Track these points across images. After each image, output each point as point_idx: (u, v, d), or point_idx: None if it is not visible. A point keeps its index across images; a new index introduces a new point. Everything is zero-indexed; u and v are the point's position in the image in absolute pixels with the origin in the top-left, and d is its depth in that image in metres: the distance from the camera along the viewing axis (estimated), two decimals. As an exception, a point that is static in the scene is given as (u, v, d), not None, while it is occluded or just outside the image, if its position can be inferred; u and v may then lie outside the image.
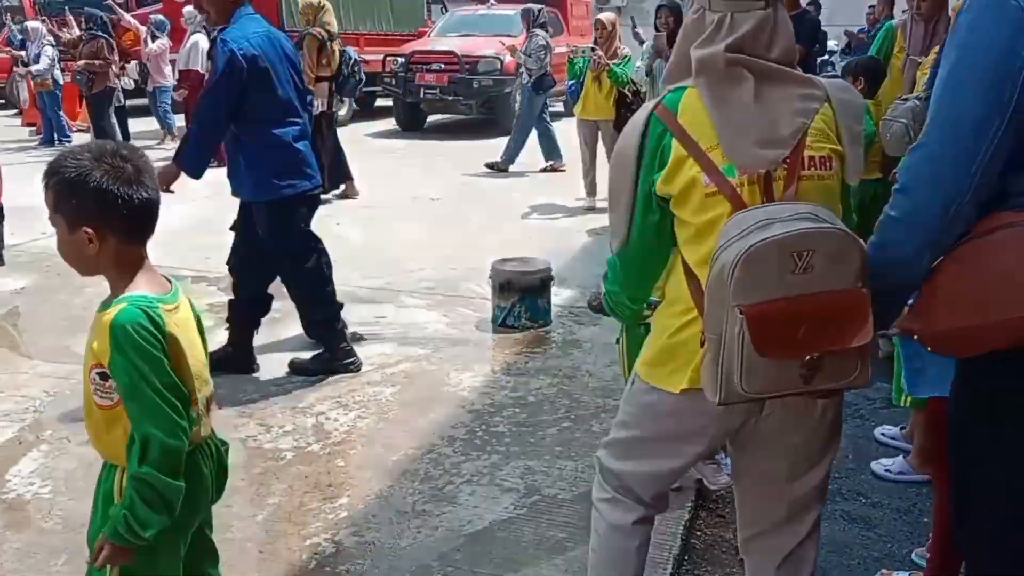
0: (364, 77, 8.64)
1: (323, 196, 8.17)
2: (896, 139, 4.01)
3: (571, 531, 2.74)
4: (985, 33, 1.46)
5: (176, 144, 10.79)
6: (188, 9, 10.17)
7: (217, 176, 10.15)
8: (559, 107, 15.25)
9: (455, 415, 3.69)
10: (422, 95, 12.73)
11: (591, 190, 7.85)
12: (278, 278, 4.22)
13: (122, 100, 11.07)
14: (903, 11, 7.23)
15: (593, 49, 7.52)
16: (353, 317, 4.91)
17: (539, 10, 9.86)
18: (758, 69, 1.74)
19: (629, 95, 7.39)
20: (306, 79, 7.79)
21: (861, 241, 1.60)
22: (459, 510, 2.96)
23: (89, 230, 1.66)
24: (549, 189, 8.56)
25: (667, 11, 7.00)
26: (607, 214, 1.93)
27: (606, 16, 7.76)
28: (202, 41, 9.92)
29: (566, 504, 2.97)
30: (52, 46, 11.99)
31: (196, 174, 3.97)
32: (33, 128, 13.04)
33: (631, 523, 2.03)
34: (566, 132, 9.45)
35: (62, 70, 12.04)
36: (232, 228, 4.30)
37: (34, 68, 11.72)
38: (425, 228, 7.09)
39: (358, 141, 8.57)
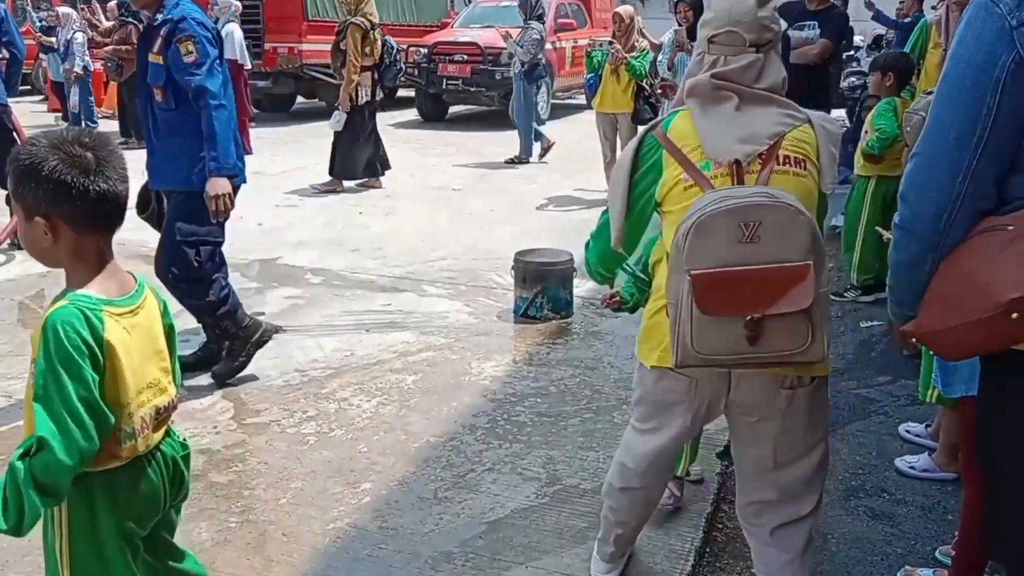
0: (404, 67, 8.66)
1: (348, 185, 8.23)
2: (915, 131, 4.02)
3: (592, 521, 2.73)
4: (968, 44, 1.50)
5: (141, 144, 10.88)
6: None
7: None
8: (580, 99, 15.23)
9: (477, 404, 3.69)
10: (444, 86, 12.73)
11: (612, 182, 7.82)
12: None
13: None
14: (932, 7, 7.17)
15: (610, 43, 7.49)
16: (374, 305, 4.94)
17: (536, 1, 9.84)
18: (742, 92, 1.97)
19: (647, 88, 7.37)
20: (351, 68, 7.84)
21: (811, 218, 1.75)
22: (481, 498, 2.97)
23: (42, 220, 1.57)
24: (570, 181, 8.54)
25: (686, 5, 6.96)
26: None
27: (624, 9, 7.72)
28: (236, 31, 9.93)
29: (588, 494, 2.97)
30: (83, 32, 12.07)
31: (239, 168, 3.70)
32: (59, 114, 13.15)
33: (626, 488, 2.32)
34: (586, 124, 9.42)
35: (91, 56, 12.11)
36: (147, 220, 4.04)
37: (69, 65, 11.72)
38: (447, 218, 7.10)
39: (380, 131, 8.58)
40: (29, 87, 15.51)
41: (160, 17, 3.64)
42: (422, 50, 12.71)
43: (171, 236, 3.74)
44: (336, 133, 8.13)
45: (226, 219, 3.75)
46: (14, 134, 5.80)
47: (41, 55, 13.83)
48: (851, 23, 7.24)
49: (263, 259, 5.84)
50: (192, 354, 3.95)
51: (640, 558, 2.63)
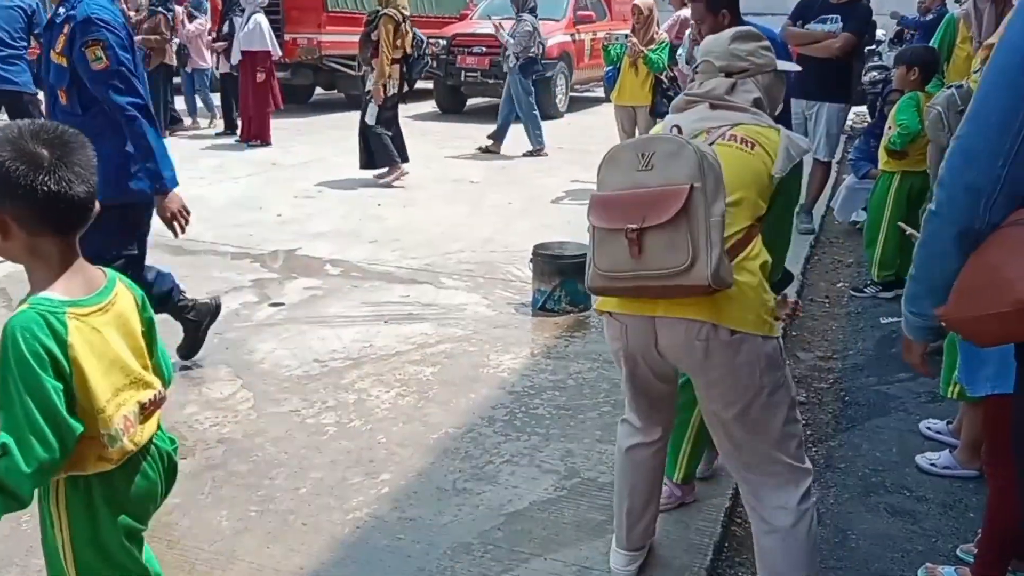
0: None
1: (367, 176, 8.22)
2: (933, 125, 4.00)
3: (611, 514, 2.72)
4: (1017, 31, 1.50)
5: (215, 125, 10.90)
6: None
7: (257, 155, 10.30)
8: (599, 92, 15.18)
9: (495, 396, 3.70)
10: (463, 78, 12.72)
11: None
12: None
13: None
14: (957, 0, 7.08)
15: (627, 36, 7.46)
16: (392, 297, 4.95)
17: None
18: (714, 104, 2.26)
19: (666, 80, 7.33)
20: (384, 60, 7.80)
21: (697, 146, 1.94)
22: (499, 490, 2.98)
23: None
24: (588, 174, 8.48)
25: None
26: None
27: (643, 1, 7.67)
28: (264, 21, 9.96)
29: (606, 487, 2.96)
30: None
31: (174, 179, 3.53)
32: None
33: (625, 448, 2.45)
34: (605, 116, 9.38)
35: None
36: None
37: None
38: (465, 210, 7.10)
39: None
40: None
41: (63, 12, 3.31)
42: (441, 42, 12.69)
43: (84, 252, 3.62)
44: (363, 125, 8.08)
45: (146, 234, 3.62)
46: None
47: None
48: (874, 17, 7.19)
49: (282, 250, 5.86)
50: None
51: (659, 552, 2.63)
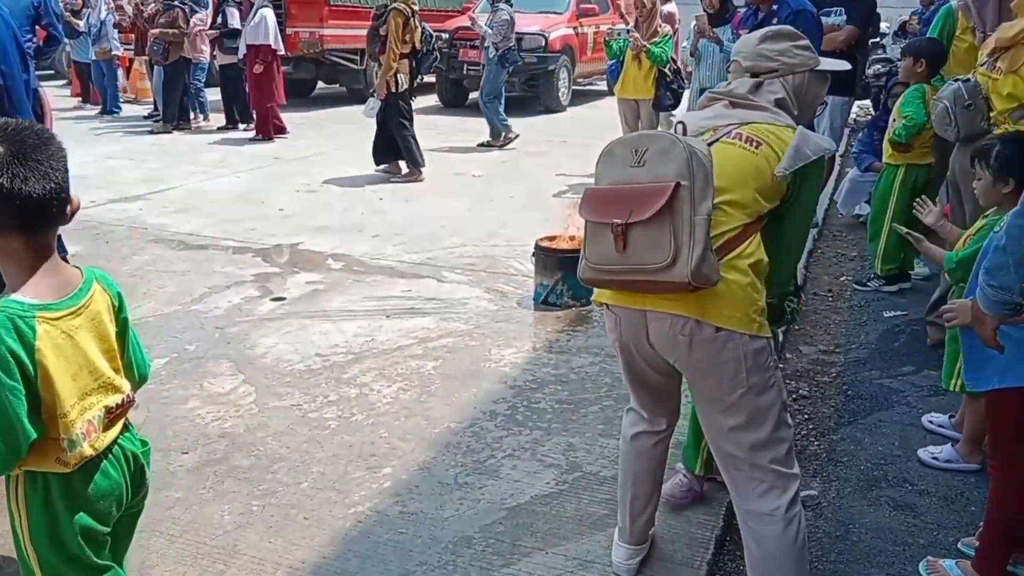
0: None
1: (371, 172, 8.21)
2: (939, 119, 4.01)
3: (612, 508, 2.73)
4: None
5: (206, 123, 10.86)
6: None
7: (259, 149, 10.29)
8: (602, 85, 15.16)
9: (497, 390, 3.70)
10: (465, 71, 12.69)
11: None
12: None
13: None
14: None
15: (629, 31, 7.44)
16: (394, 291, 4.95)
17: None
18: (735, 102, 2.25)
19: (669, 74, 7.31)
20: (391, 55, 7.75)
21: (688, 144, 1.94)
22: (501, 484, 2.98)
23: None
24: (591, 168, 8.49)
25: None
26: None
27: None
28: (269, 16, 9.95)
29: (608, 482, 2.97)
30: (113, 14, 12.12)
31: None
32: (80, 98, 13.23)
33: (630, 436, 2.46)
34: (608, 110, 9.37)
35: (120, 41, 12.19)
36: None
37: (105, 46, 11.78)
38: (467, 204, 7.09)
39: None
40: (52, 71, 15.61)
41: None
42: (443, 35, 12.67)
43: None
44: (382, 123, 8.02)
45: None
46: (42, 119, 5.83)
47: (64, 39, 13.89)
48: (878, 9, 7.15)
49: (284, 244, 5.86)
50: None
51: (661, 546, 2.63)
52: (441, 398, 3.62)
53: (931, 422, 3.53)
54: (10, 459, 1.52)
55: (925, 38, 5.07)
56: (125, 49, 12.74)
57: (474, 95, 13.75)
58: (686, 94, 7.42)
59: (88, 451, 1.62)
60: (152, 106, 11.98)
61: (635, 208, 1.95)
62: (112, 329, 1.69)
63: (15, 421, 1.49)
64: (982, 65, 3.90)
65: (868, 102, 8.95)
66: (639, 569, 2.52)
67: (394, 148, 8.09)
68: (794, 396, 3.80)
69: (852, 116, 9.55)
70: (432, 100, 13.55)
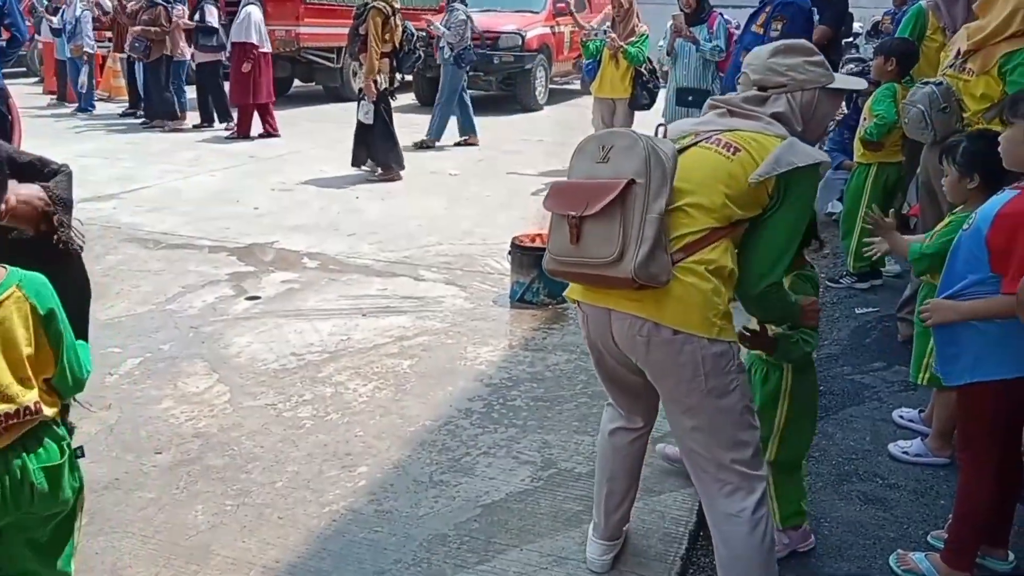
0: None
1: (354, 172, 8.16)
2: (914, 124, 4.00)
3: (587, 504, 2.75)
4: None
5: (183, 124, 10.75)
6: None
7: (234, 147, 10.22)
8: (576, 85, 15.19)
9: (472, 388, 3.70)
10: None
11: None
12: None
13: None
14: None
15: (605, 31, 7.46)
16: (370, 290, 4.94)
17: None
18: (733, 111, 2.23)
19: (645, 73, 7.35)
20: (373, 55, 7.69)
21: (649, 143, 1.99)
22: (476, 481, 2.98)
23: None
24: (566, 166, 8.51)
25: None
26: None
27: None
28: (255, 13, 9.87)
29: (583, 478, 2.98)
30: (89, 11, 12.00)
31: None
32: (54, 96, 13.08)
33: (608, 431, 2.48)
34: (584, 109, 9.39)
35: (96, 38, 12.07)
36: None
37: (79, 43, 11.66)
38: (443, 203, 7.09)
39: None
40: (24, 69, 15.44)
41: None
42: (420, 34, 12.64)
43: None
44: (360, 123, 7.96)
45: None
46: (8, 117, 5.76)
47: (36, 36, 13.73)
48: (850, 9, 7.21)
49: (259, 243, 5.83)
50: None
51: (634, 541, 2.64)
52: (417, 396, 3.62)
53: (902, 417, 3.58)
54: None
55: (896, 38, 5.12)
56: (100, 47, 12.62)
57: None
58: (662, 93, 7.45)
59: None
60: (128, 104, 11.88)
61: (590, 202, 1.99)
62: (26, 337, 1.66)
63: None
64: (949, 67, 3.94)
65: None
66: (613, 565, 2.53)
67: (372, 148, 8.06)
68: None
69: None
70: (409, 98, 13.51)
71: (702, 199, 2.05)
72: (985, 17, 3.74)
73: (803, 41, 2.37)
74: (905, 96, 4.26)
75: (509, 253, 4.82)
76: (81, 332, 1.89)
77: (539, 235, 4.91)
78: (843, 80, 2.37)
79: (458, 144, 9.85)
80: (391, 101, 8.12)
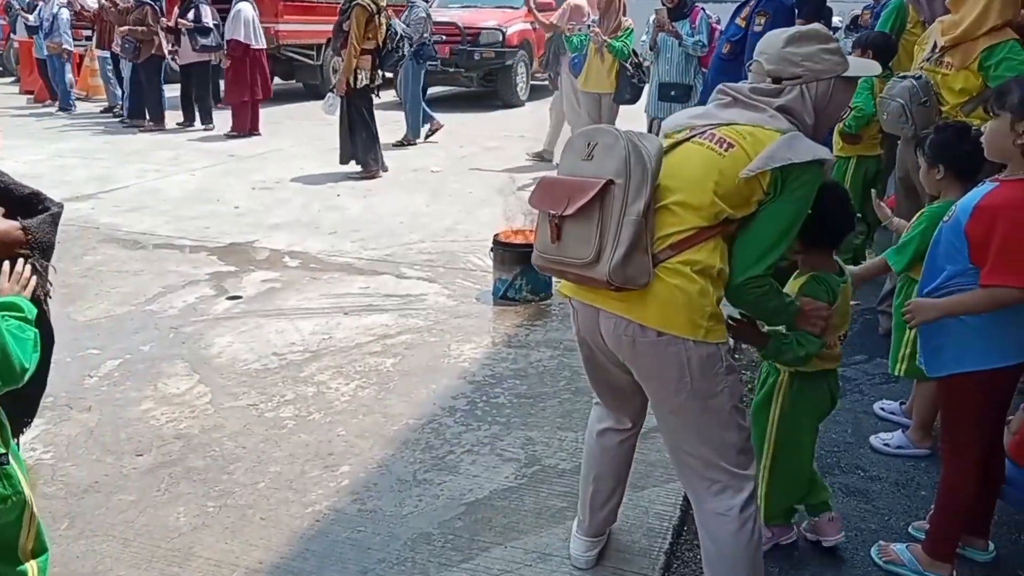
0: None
1: (341, 169, 8.11)
2: (893, 118, 4.00)
3: (571, 500, 2.75)
4: None
5: (158, 125, 10.65)
6: None
7: (214, 146, 10.15)
8: (545, 82, 15.14)
9: (456, 386, 3.69)
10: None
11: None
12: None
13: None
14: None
15: (589, 27, 7.46)
16: (352, 288, 4.92)
17: None
18: (738, 99, 2.13)
19: (630, 68, 7.35)
20: (352, 51, 7.63)
21: (630, 141, 1.96)
22: (460, 479, 2.98)
23: None
24: (549, 163, 8.52)
25: None
26: None
27: None
28: (246, 9, 9.79)
29: (566, 474, 2.98)
30: (67, 9, 11.87)
31: None
32: (31, 96, 12.95)
33: (597, 431, 2.47)
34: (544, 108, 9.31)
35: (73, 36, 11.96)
36: None
37: (57, 40, 11.55)
38: (425, 200, 7.07)
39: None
40: (1, 68, 15.27)
41: None
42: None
43: None
44: (345, 121, 7.90)
45: None
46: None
47: (12, 35, 13.59)
48: (828, 3, 7.24)
49: (240, 242, 5.80)
50: None
51: (618, 537, 2.65)
52: (400, 395, 3.61)
53: (883, 409, 3.60)
54: None
55: (875, 31, 5.14)
56: (77, 45, 12.49)
57: (432, 90, 13.70)
58: (646, 88, 7.46)
59: None
60: (107, 103, 11.77)
61: (571, 200, 1.98)
62: None
63: None
64: (926, 60, 3.96)
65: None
66: (597, 561, 2.53)
67: (353, 145, 8.01)
68: (749, 386, 3.84)
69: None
70: (391, 96, 13.45)
71: (690, 197, 1.99)
72: (958, 12, 3.76)
73: (818, 26, 2.23)
74: (883, 89, 4.27)
75: (491, 250, 4.81)
76: (42, 379, 1.87)
77: (521, 231, 4.91)
78: (858, 66, 2.25)
79: (427, 137, 9.81)
80: (372, 99, 8.08)
